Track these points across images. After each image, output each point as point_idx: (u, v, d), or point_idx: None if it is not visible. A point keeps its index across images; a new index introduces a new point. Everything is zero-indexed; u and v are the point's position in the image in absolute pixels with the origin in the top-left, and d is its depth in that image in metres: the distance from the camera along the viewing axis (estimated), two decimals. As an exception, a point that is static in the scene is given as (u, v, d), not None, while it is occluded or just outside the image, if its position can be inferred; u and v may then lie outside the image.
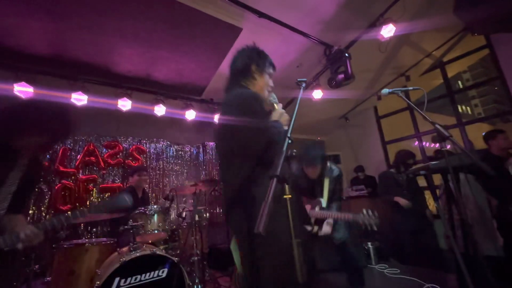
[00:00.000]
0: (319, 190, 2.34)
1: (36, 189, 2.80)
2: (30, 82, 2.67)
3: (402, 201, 3.05)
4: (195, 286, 2.55)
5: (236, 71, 1.34)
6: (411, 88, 1.68)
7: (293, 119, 1.05)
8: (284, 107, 4.87)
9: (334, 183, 2.33)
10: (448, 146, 1.71)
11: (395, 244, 3.49)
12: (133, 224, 2.12)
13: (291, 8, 2.83)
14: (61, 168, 2.96)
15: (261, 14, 2.69)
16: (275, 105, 1.33)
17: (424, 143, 4.95)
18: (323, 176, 2.34)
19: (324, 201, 2.28)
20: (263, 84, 1.34)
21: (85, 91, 2.94)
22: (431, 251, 2.89)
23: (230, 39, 2.96)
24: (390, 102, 5.12)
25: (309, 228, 2.20)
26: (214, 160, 4.32)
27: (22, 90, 2.61)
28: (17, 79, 2.62)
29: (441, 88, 4.89)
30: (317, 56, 3.55)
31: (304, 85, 1.35)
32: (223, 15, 2.70)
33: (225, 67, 3.38)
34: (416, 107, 1.46)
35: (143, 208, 2.27)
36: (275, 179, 0.75)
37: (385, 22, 2.99)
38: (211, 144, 4.38)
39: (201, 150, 4.30)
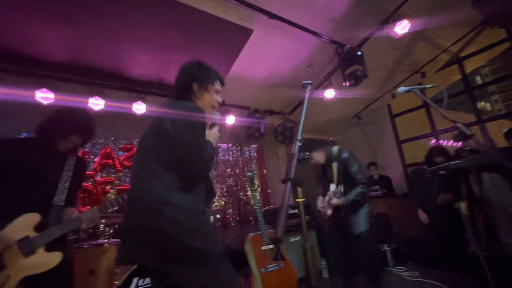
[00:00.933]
0: (330, 176, 2.29)
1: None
2: (50, 88, 2.78)
3: (421, 215, 2.92)
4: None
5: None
6: (428, 85, 1.63)
7: (301, 122, 1.04)
8: (295, 108, 4.85)
9: (344, 164, 2.24)
10: (469, 144, 1.66)
11: (413, 246, 3.39)
12: (150, 225, 2.16)
13: (302, 8, 2.81)
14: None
15: (272, 15, 2.69)
16: (214, 125, 1.30)
17: (441, 142, 4.81)
18: (331, 160, 2.30)
19: (333, 185, 2.22)
20: (208, 101, 1.29)
21: (101, 96, 3.03)
22: (456, 253, 2.77)
23: (241, 41, 2.98)
24: (405, 100, 5.01)
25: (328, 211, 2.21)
26: (226, 162, 4.36)
27: (44, 96, 2.72)
28: (38, 86, 2.74)
29: (458, 84, 4.73)
30: (329, 55, 3.51)
31: (309, 87, 1.33)
32: (234, 17, 2.72)
33: (236, 69, 3.40)
34: (435, 105, 1.42)
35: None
36: (289, 183, 0.74)
37: (399, 18, 2.93)
38: (223, 145, 4.42)
39: (213, 151, 4.35)
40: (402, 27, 2.91)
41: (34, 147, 1.43)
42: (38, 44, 2.62)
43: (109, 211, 1.60)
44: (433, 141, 4.92)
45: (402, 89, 1.70)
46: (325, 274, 3.20)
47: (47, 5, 2.26)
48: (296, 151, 0.83)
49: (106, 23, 2.51)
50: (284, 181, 0.74)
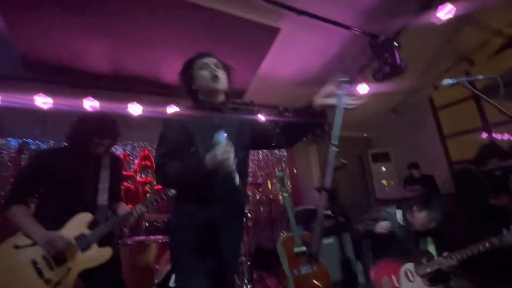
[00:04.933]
0: (419, 249, 1.77)
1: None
2: (95, 96, 3.04)
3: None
4: (244, 286, 2.62)
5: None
6: (480, 76, 1.44)
7: (337, 125, 0.91)
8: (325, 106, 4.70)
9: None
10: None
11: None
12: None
13: (331, 2, 2.69)
14: (123, 172, 3.32)
15: (299, 12, 2.62)
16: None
17: (495, 135, 4.28)
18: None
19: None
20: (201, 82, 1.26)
21: (139, 101, 3.24)
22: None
23: (268, 40, 2.96)
24: (449, 90, 4.55)
25: None
26: (257, 162, 4.39)
27: (90, 104, 2.99)
28: (85, 95, 3.01)
29: (516, 70, 4.15)
30: (362, 48, 3.32)
31: (347, 85, 1.18)
32: (260, 17, 2.71)
33: (264, 69, 3.39)
34: (489, 100, 1.26)
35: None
36: (325, 193, 0.72)
37: (441, 1, 2.65)
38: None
39: (243, 151, 4.41)
40: (445, 12, 2.64)
41: (71, 154, 1.56)
42: (85, 58, 2.88)
43: (150, 208, 1.70)
44: (484, 135, 4.41)
45: (447, 81, 1.52)
46: (361, 279, 3.06)
47: (90, 20, 2.47)
48: (332, 159, 0.77)
49: (141, 33, 2.67)
50: (319, 190, 0.70)
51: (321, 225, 0.64)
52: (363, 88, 3.54)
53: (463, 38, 3.62)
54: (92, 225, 1.47)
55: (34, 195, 1.49)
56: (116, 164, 1.72)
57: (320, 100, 1.07)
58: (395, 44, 2.98)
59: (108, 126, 1.60)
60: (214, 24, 2.66)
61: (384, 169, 5.23)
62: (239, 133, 1.23)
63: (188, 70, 1.29)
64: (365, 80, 3.55)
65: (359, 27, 2.99)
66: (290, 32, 2.95)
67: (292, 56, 3.35)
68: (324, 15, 2.74)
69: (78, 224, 1.44)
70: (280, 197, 4.29)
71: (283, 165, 4.65)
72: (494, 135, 4.29)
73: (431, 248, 1.77)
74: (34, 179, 1.45)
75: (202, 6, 2.44)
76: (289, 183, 4.52)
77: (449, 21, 2.77)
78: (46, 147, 3.24)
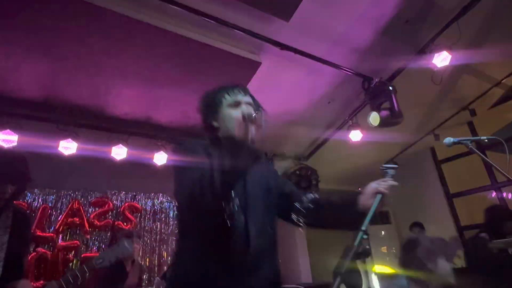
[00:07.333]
0: None
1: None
2: (15, 128, 2.87)
3: None
4: None
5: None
6: (484, 138, 1.60)
7: (372, 214, 0.97)
8: (313, 151, 4.81)
9: None
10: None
11: None
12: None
13: (318, 37, 2.95)
14: (39, 233, 3.00)
15: (283, 46, 2.82)
16: None
17: (505, 194, 4.59)
18: None
19: None
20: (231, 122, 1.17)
21: (75, 137, 3.10)
22: None
23: (247, 75, 3.09)
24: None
25: None
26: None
27: (6, 138, 2.80)
28: (1, 127, 2.84)
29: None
30: (354, 90, 3.58)
31: (392, 172, 1.13)
32: (238, 49, 2.87)
33: (240, 106, 3.49)
34: (498, 167, 1.36)
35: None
36: (339, 278, 0.74)
37: (437, 49, 3.02)
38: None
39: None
40: (441, 59, 2.99)
41: None
42: (9, 79, 2.78)
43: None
44: (493, 194, 4.72)
45: (449, 140, 1.67)
46: None
47: (25, 36, 2.43)
48: (357, 243, 0.81)
49: (90, 55, 2.67)
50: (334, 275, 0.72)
51: None
52: (355, 136, 3.73)
53: (463, 86, 4.08)
54: None
55: None
56: (22, 224, 1.51)
57: (365, 201, 1.06)
58: (390, 88, 3.25)
59: (12, 169, 1.42)
60: (185, 53, 2.75)
61: (383, 232, 5.28)
62: (266, 190, 1.17)
63: (212, 104, 1.21)
64: (359, 126, 3.75)
65: (350, 67, 3.27)
66: (273, 68, 3.14)
67: (275, 94, 3.50)
68: (311, 52, 2.98)
69: None
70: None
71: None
72: (504, 194, 4.60)
73: None
74: None
75: (167, 31, 2.54)
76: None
77: (447, 67, 3.13)
78: None
